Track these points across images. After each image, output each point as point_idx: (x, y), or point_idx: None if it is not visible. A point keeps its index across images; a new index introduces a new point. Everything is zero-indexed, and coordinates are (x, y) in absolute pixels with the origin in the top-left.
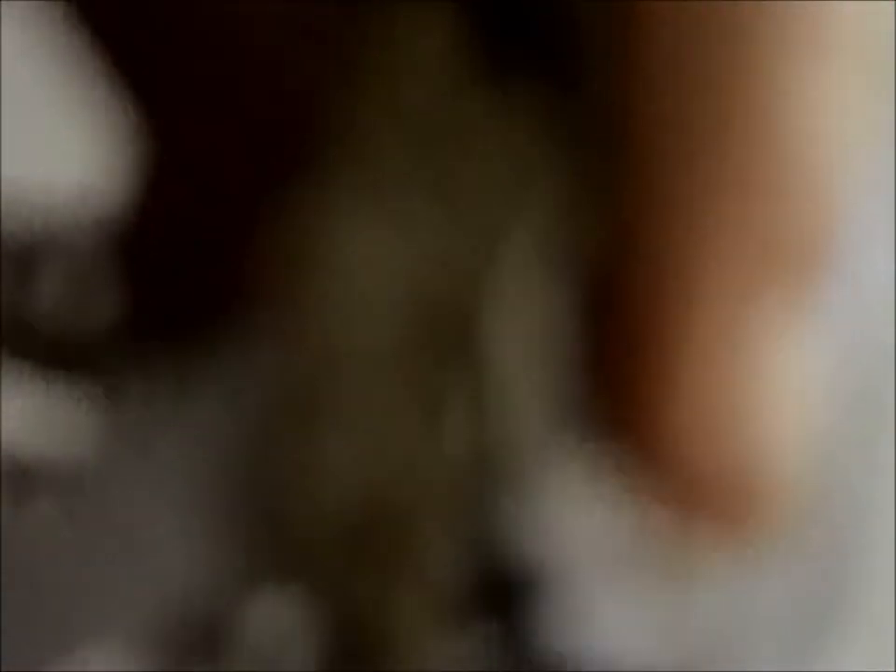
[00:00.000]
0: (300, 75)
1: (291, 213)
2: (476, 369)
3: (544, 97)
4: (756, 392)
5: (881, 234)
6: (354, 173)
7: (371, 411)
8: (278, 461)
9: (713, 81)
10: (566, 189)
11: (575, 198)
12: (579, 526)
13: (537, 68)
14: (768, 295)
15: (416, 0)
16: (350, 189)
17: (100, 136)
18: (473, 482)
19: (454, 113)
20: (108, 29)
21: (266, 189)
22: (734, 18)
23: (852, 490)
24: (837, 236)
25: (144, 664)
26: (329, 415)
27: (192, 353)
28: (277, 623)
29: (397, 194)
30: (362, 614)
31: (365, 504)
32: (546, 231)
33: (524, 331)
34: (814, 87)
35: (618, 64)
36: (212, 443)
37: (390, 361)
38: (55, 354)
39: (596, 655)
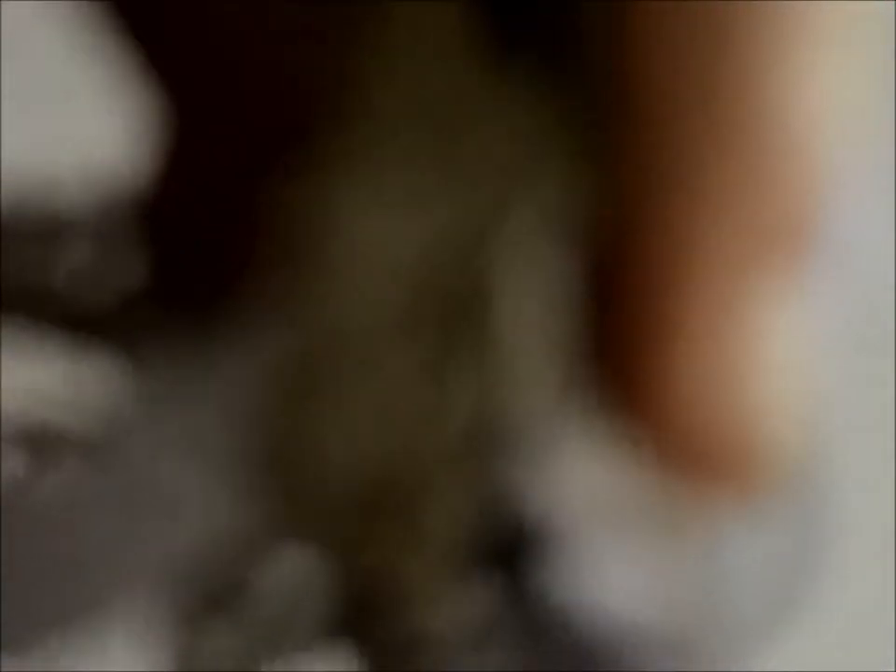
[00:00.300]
0: (307, 56)
1: (300, 189)
2: (482, 338)
3: (548, 78)
4: (753, 362)
5: (878, 214)
6: (361, 150)
7: (382, 378)
8: (293, 426)
9: (709, 64)
10: (569, 166)
11: (578, 174)
12: (584, 486)
13: (541, 51)
14: (765, 266)
15: None
16: (358, 165)
17: (124, 112)
18: (481, 444)
19: (460, 93)
20: (131, 20)
21: (278, 166)
22: (729, 5)
23: (845, 456)
24: (832, 213)
25: (165, 617)
26: (342, 383)
27: (212, 320)
28: (294, 578)
29: (402, 170)
30: (376, 571)
31: (377, 467)
32: (550, 206)
33: (529, 303)
34: (810, 73)
35: (617, 44)
36: (231, 407)
37: (399, 331)
38: (80, 321)
39: (601, 610)
